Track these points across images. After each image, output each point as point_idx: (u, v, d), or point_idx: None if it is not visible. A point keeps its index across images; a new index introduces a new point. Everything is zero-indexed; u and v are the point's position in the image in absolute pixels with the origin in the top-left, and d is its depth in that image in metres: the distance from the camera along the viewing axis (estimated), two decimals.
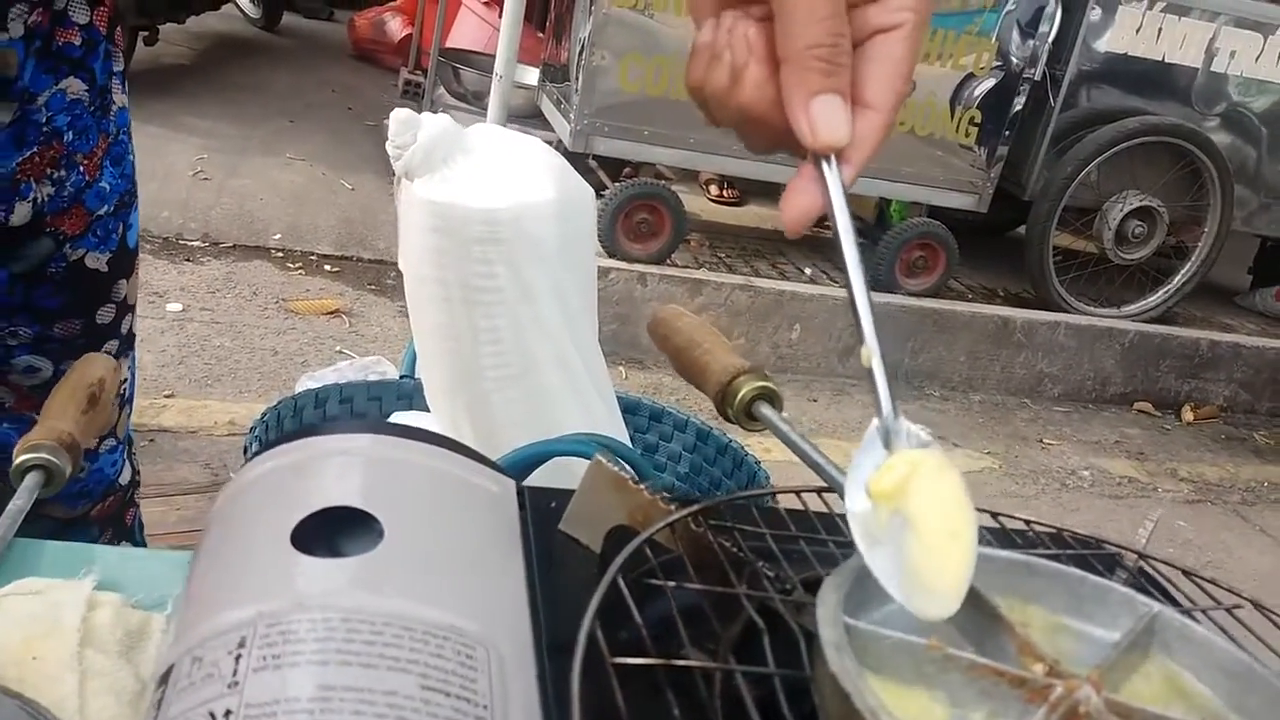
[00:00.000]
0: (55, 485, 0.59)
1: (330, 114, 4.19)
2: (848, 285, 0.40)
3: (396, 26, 4.93)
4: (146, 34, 3.99)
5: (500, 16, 2.86)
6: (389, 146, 0.80)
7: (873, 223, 3.65)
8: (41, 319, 0.84)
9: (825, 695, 0.34)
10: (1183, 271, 3.47)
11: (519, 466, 0.75)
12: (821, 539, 0.46)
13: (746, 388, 0.53)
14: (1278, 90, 3.36)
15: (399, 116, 0.80)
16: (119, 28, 0.83)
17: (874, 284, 3.15)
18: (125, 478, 0.98)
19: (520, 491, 0.50)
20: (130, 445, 0.99)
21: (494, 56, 2.87)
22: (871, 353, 0.39)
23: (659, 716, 0.34)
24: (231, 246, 3.07)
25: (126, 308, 0.92)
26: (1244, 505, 2.86)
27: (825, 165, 0.40)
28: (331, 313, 2.78)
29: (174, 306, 2.65)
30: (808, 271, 3.31)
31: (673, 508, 0.44)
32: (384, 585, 0.38)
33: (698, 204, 3.74)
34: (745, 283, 3.01)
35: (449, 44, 4.19)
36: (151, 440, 2.14)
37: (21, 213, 0.78)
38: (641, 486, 0.45)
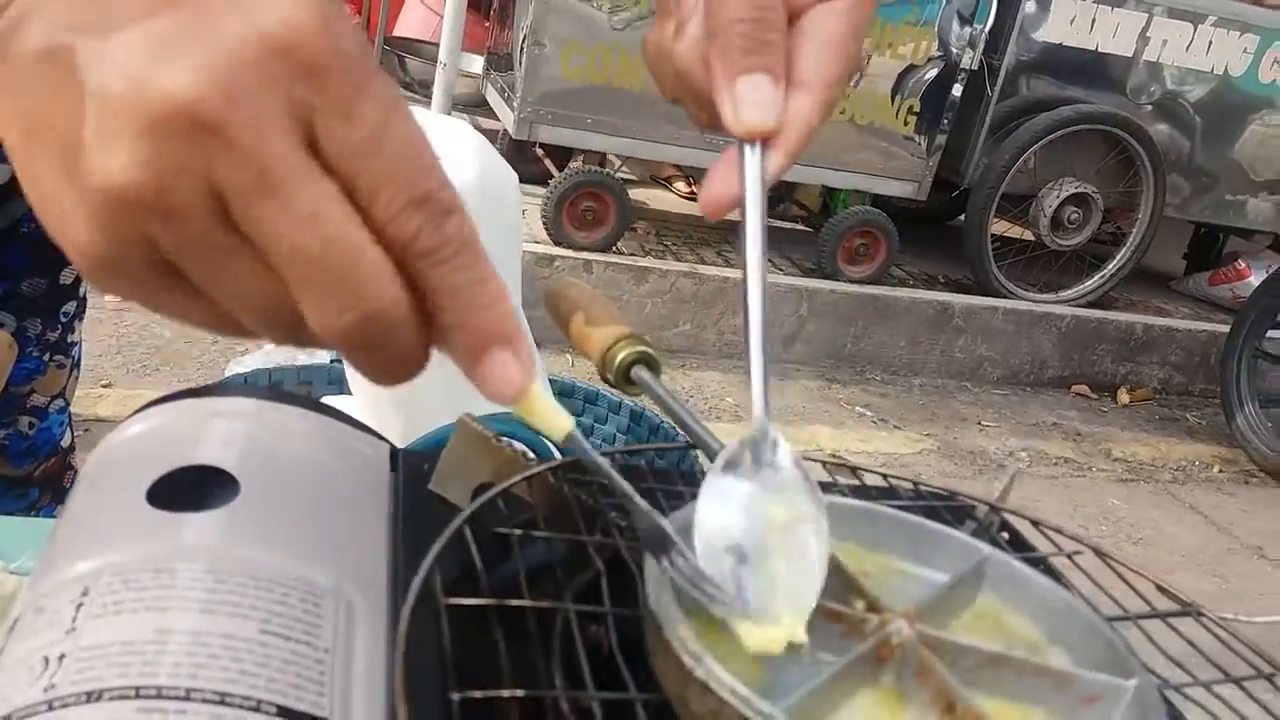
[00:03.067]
0: None
1: None
2: (743, 282, 0.37)
3: None
4: None
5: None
6: None
7: (818, 211, 3.69)
8: (10, 276, 0.87)
9: (648, 629, 0.35)
10: (1118, 257, 3.54)
11: (437, 446, 0.76)
12: (679, 491, 0.47)
13: (625, 352, 0.54)
14: (1209, 79, 3.44)
15: None
16: None
17: (817, 271, 3.20)
18: (67, 440, 1.00)
19: (394, 454, 0.51)
20: (69, 411, 1.01)
21: (439, 45, 2.87)
22: (754, 367, 0.37)
23: (488, 657, 0.35)
24: None
25: None
26: (1174, 484, 2.94)
27: (748, 150, 0.37)
28: None
29: (112, 296, 2.62)
30: None
31: (534, 464, 0.46)
32: (233, 539, 0.39)
33: (660, 199, 3.76)
34: (690, 270, 3.03)
35: (396, 32, 4.17)
36: (88, 430, 2.11)
37: (1, 173, 0.81)
38: (504, 444, 0.47)
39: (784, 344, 3.13)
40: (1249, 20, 3.35)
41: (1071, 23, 3.23)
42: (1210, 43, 3.36)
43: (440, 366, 1.03)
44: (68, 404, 0.99)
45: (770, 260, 3.36)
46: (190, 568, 0.37)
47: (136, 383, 2.29)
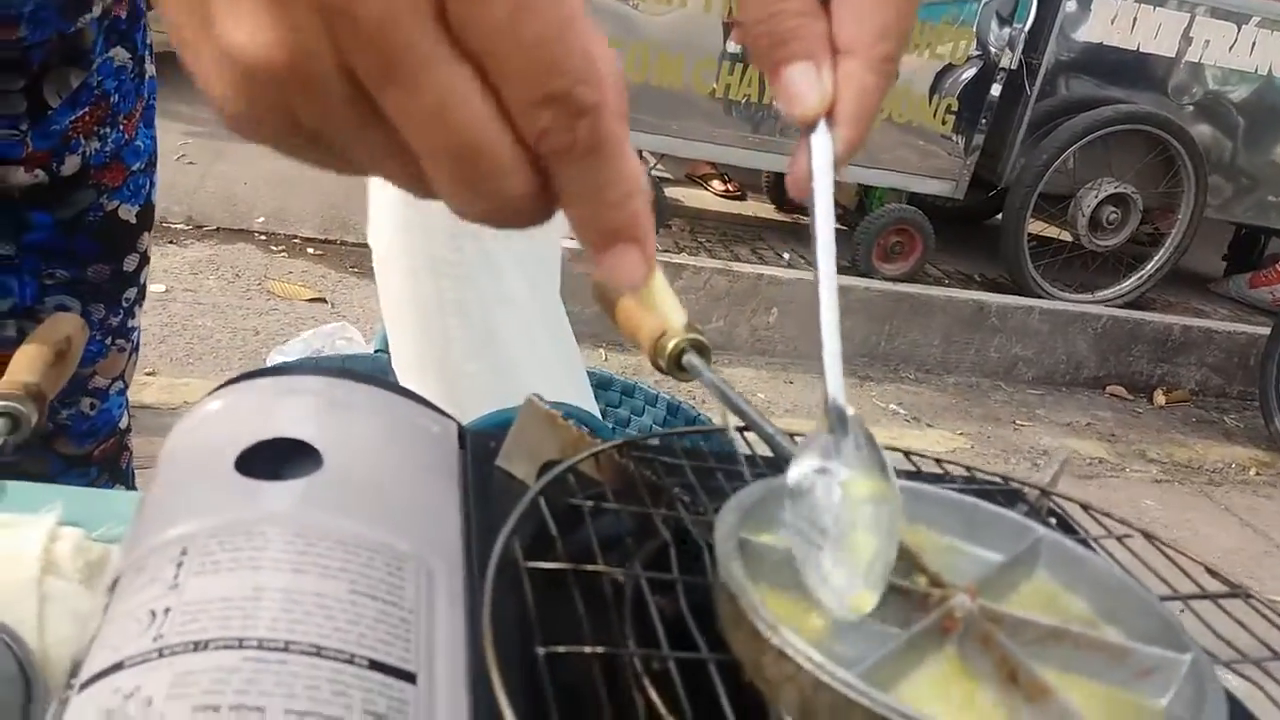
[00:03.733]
0: (21, 433, 0.61)
1: None
2: (814, 265, 0.38)
3: None
4: None
5: None
6: None
7: (854, 209, 3.69)
8: (78, 263, 0.91)
9: (719, 599, 0.37)
10: (1156, 258, 3.51)
11: (489, 429, 0.78)
12: (738, 470, 0.49)
13: (676, 339, 0.56)
14: (1252, 79, 3.40)
15: None
16: (150, 6, 0.92)
17: (852, 268, 3.20)
18: (124, 422, 1.03)
19: (461, 432, 0.53)
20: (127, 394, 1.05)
21: None
22: (827, 342, 0.38)
23: (568, 621, 0.37)
24: (215, 229, 3.09)
25: (145, 259, 0.99)
26: (1210, 485, 2.91)
27: (812, 136, 0.36)
28: (314, 299, 2.80)
29: (157, 287, 2.67)
30: (785, 256, 3.34)
31: (599, 442, 0.47)
32: (320, 506, 0.41)
33: (696, 197, 3.78)
34: (724, 267, 3.05)
35: None
36: (133, 416, 2.16)
37: (71, 165, 0.86)
38: (569, 424, 0.48)
39: (816, 341, 3.13)
40: None
41: (1112, 22, 3.21)
42: (1254, 43, 3.33)
43: (485, 357, 1.04)
44: (126, 387, 1.03)
45: (801, 256, 3.36)
46: (280, 531, 0.39)
47: (181, 371, 2.33)
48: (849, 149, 0.37)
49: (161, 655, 0.33)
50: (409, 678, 0.35)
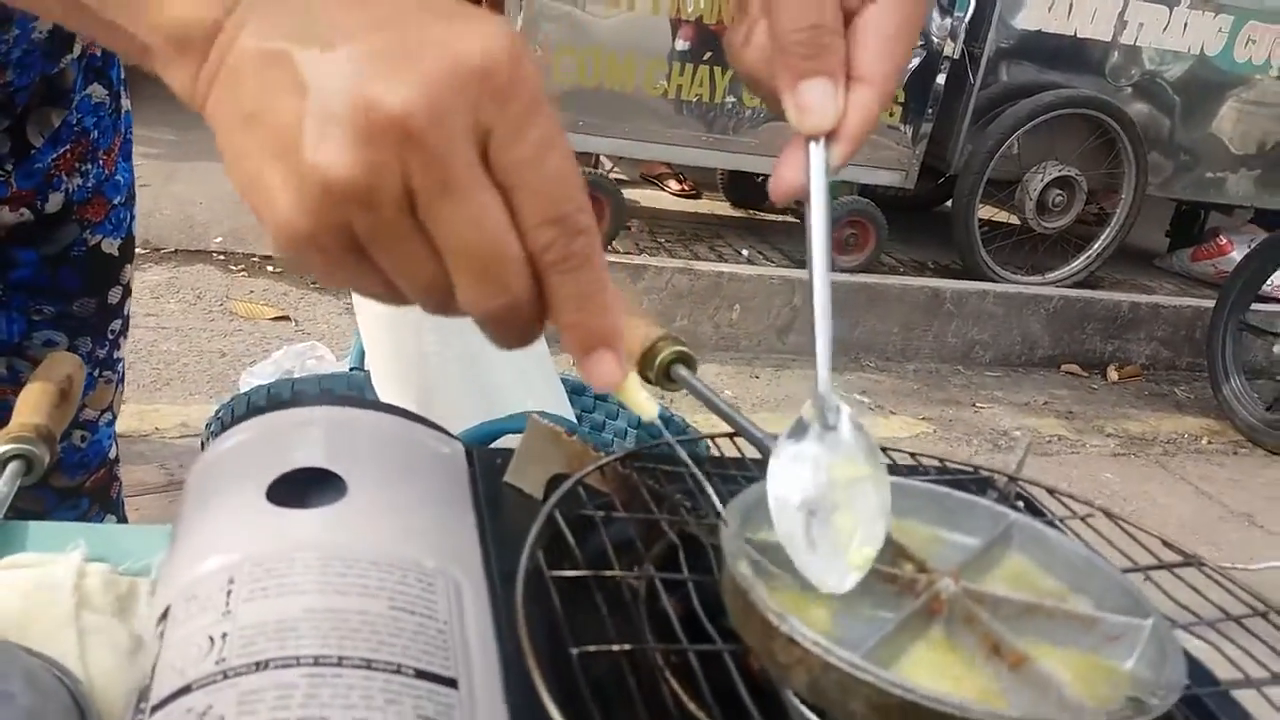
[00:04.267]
0: (35, 474, 0.64)
1: None
2: (809, 262, 0.42)
3: None
4: None
5: None
6: None
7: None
8: (63, 298, 0.92)
9: (729, 594, 0.40)
10: (1102, 237, 3.61)
11: (470, 445, 0.81)
12: (731, 474, 0.53)
13: (665, 352, 0.59)
14: (1186, 59, 3.50)
15: None
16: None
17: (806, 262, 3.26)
18: (114, 453, 1.05)
19: (469, 451, 0.56)
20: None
21: None
22: (819, 338, 0.42)
23: (591, 621, 0.40)
24: (173, 251, 3.07)
25: (128, 291, 1.01)
26: (1165, 456, 3.01)
27: (813, 146, 0.41)
28: (278, 318, 2.80)
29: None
30: (745, 253, 3.39)
31: (603, 455, 0.51)
32: (352, 530, 0.44)
33: (652, 197, 3.81)
34: (685, 266, 3.09)
35: None
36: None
37: (55, 202, 0.87)
38: (574, 438, 0.52)
39: (778, 334, 3.19)
40: (1222, 1, 3.42)
41: (1050, 9, 3.29)
42: (1186, 24, 3.43)
43: (463, 372, 1.07)
44: (115, 418, 1.04)
45: (760, 252, 3.42)
46: (319, 557, 0.42)
47: (150, 397, 2.32)
48: (843, 162, 0.41)
49: (226, 677, 0.36)
50: (451, 683, 0.38)
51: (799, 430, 0.43)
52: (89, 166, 0.90)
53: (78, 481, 1.00)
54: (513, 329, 0.36)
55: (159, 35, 0.34)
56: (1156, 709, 0.35)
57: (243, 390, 1.34)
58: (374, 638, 0.39)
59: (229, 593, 0.40)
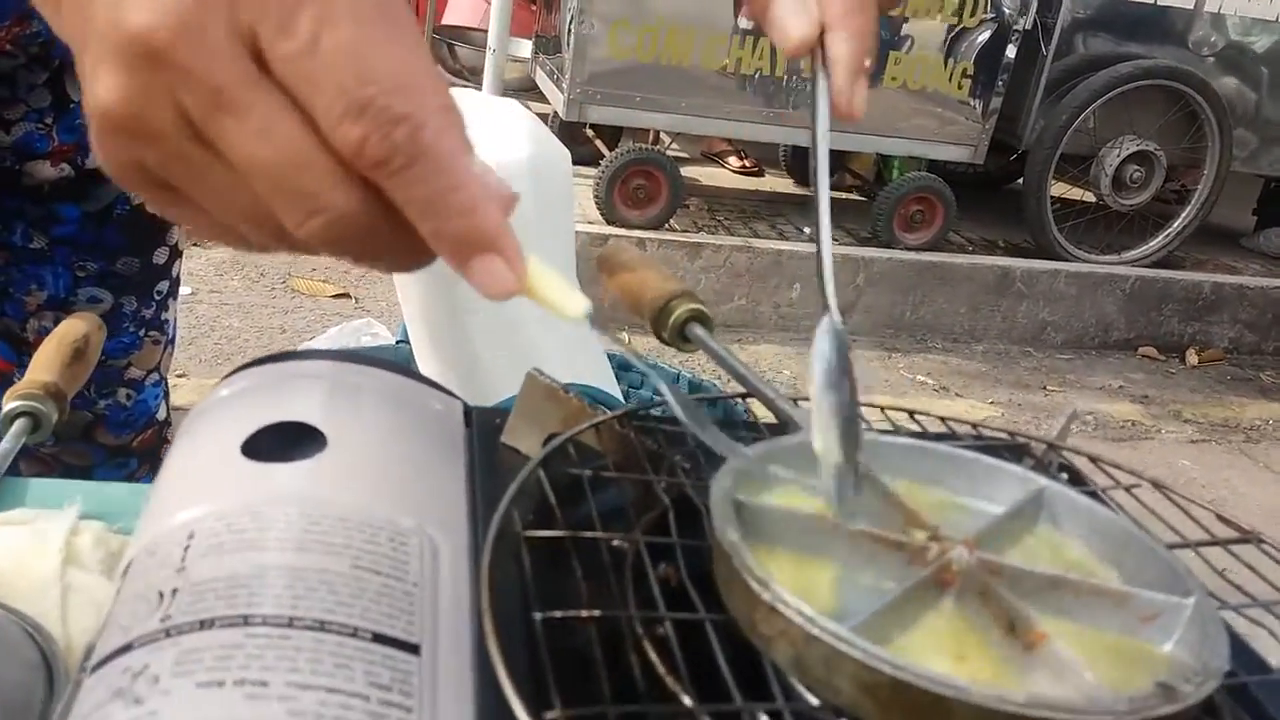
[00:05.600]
0: (42, 432, 0.63)
1: None
2: (814, 185, 0.44)
3: None
4: None
5: None
6: None
7: (873, 179, 3.66)
8: (107, 255, 0.93)
9: (716, 559, 0.37)
10: (1183, 215, 3.46)
11: (490, 411, 0.79)
12: (741, 437, 0.49)
13: (679, 310, 0.56)
14: (1275, 29, 3.34)
15: None
16: None
17: (873, 239, 3.18)
18: (162, 414, 1.05)
19: (467, 410, 0.54)
20: (166, 385, 1.07)
21: (488, 31, 2.89)
22: (823, 261, 0.43)
23: (567, 586, 0.37)
24: None
25: (176, 253, 1.00)
26: (1249, 443, 2.88)
27: (818, 74, 0.44)
28: (339, 295, 2.82)
29: (182, 289, 2.70)
30: (806, 231, 3.32)
31: (601, 413, 0.48)
32: (324, 486, 0.42)
33: (712, 175, 3.76)
34: (743, 244, 3.04)
35: (445, 21, 4.21)
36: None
37: (95, 158, 0.88)
38: (571, 396, 0.49)
39: (842, 313, 3.11)
40: None
41: None
42: None
43: (504, 343, 1.05)
44: (163, 378, 1.05)
45: None
46: (284, 512, 0.39)
47: (210, 372, 2.36)
48: (847, 90, 0.43)
49: (169, 635, 0.34)
50: (413, 649, 0.35)
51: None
52: None
53: (124, 440, 1.02)
54: (373, 253, 0.31)
55: None
56: (1189, 696, 0.31)
57: None
58: (331, 598, 0.36)
59: (187, 548, 0.38)
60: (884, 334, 3.17)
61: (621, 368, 1.71)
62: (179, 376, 2.32)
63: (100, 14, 0.28)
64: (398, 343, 1.45)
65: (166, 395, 1.07)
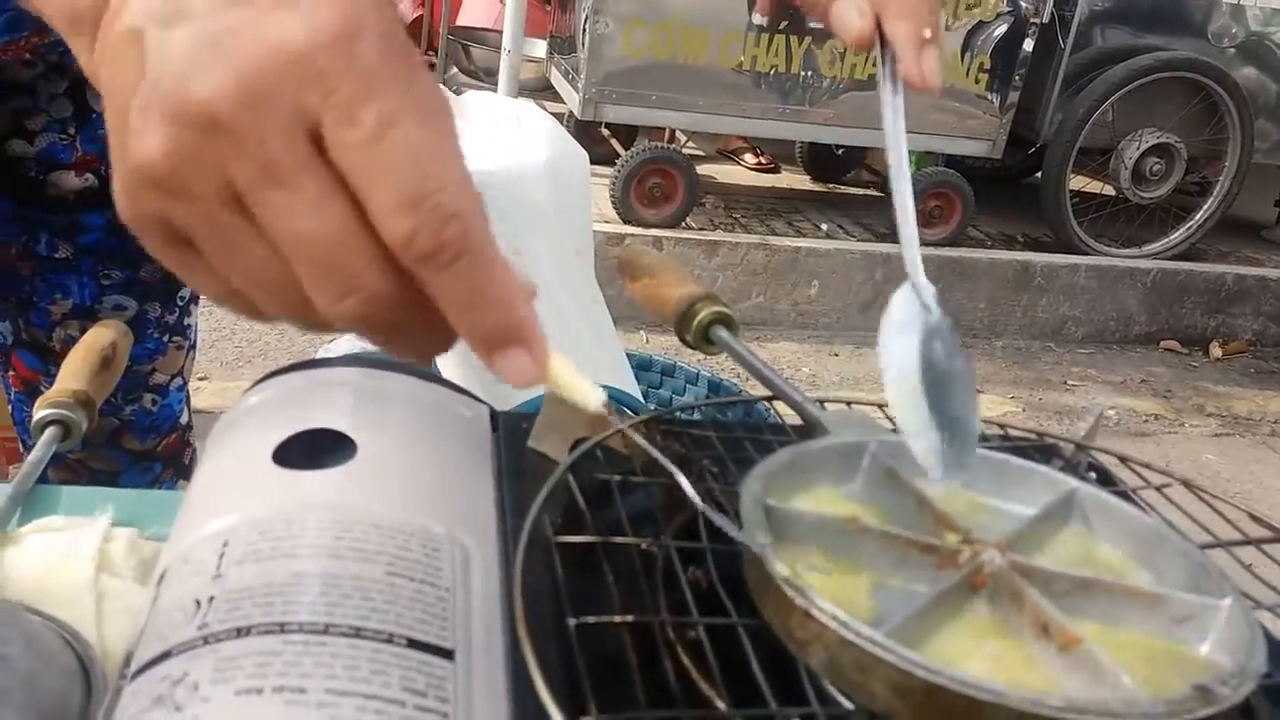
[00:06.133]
0: (73, 440, 0.63)
1: None
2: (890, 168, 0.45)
3: (407, 8, 4.95)
4: None
5: None
6: None
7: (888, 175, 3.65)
8: (132, 263, 0.93)
9: (747, 564, 0.37)
10: (1204, 208, 3.43)
11: (533, 412, 0.79)
12: (766, 440, 0.49)
13: (704, 313, 0.56)
14: None
15: None
16: None
17: (891, 235, 3.17)
18: (185, 419, 1.06)
19: (494, 415, 0.54)
20: (188, 390, 1.08)
21: (502, 32, 2.90)
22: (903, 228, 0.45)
23: (599, 591, 0.37)
24: None
25: None
26: (1274, 437, 2.85)
27: (879, 60, 0.44)
28: None
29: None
30: (824, 227, 3.32)
31: (628, 418, 0.48)
32: (356, 493, 0.42)
33: (728, 172, 3.76)
34: (761, 242, 3.03)
35: (459, 22, 4.22)
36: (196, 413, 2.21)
37: None
38: None
39: (860, 310, 3.11)
40: None
41: None
42: None
43: None
44: (186, 383, 1.06)
45: (840, 226, 3.34)
46: (317, 519, 0.40)
47: (232, 375, 2.37)
48: (916, 34, 0.43)
49: (206, 643, 0.34)
50: (447, 654, 0.36)
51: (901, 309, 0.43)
52: None
53: (149, 445, 1.03)
54: (399, 337, 0.32)
55: (58, 15, 0.33)
56: (1227, 699, 0.31)
57: None
58: (365, 604, 0.36)
59: (222, 555, 0.38)
60: None
61: (641, 367, 1.71)
62: (201, 380, 2.34)
63: (162, 73, 0.29)
64: None
65: (188, 399, 1.08)
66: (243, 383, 2.34)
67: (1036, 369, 3.10)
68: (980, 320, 3.24)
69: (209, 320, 2.57)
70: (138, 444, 1.01)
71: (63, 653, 0.44)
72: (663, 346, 2.76)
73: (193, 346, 1.05)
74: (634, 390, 1.21)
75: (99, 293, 0.93)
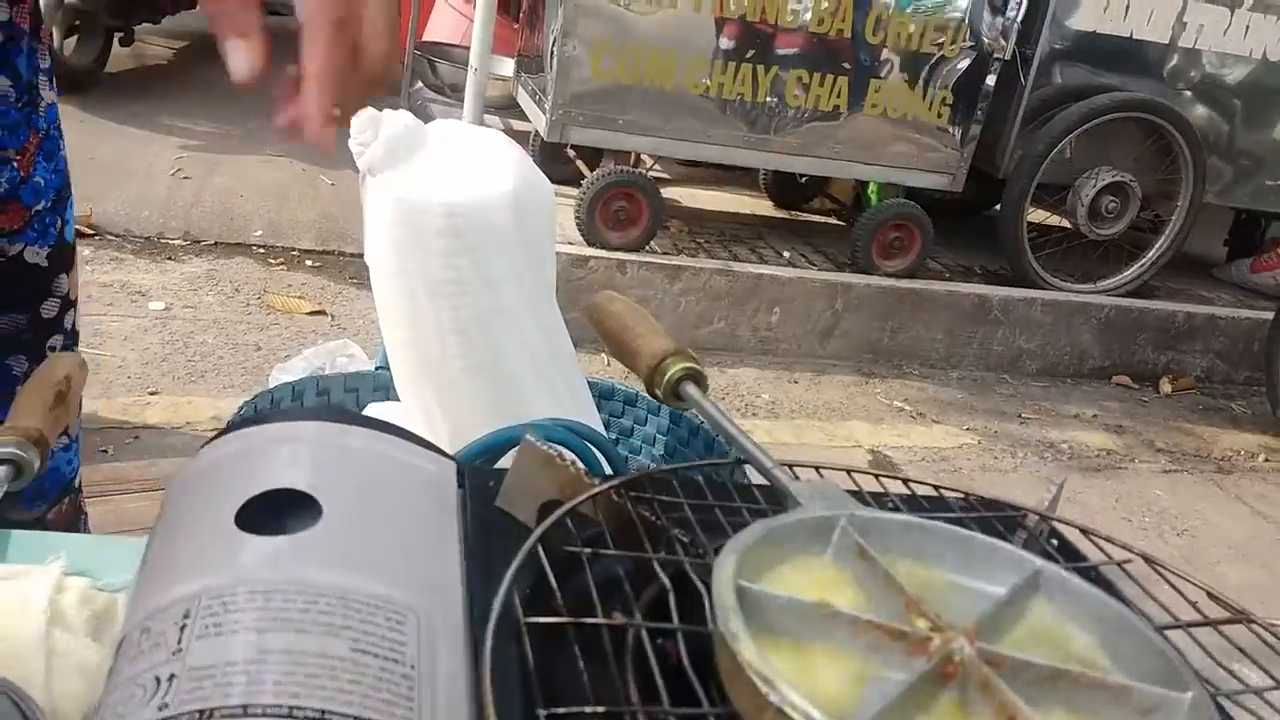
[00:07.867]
0: (24, 479, 0.61)
1: None
2: None
3: None
4: (122, 35, 3.99)
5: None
6: (351, 144, 0.83)
7: (851, 205, 3.69)
8: None
9: (719, 651, 0.37)
10: (1157, 245, 3.50)
11: (486, 453, 0.78)
12: (735, 507, 0.49)
13: (674, 369, 0.56)
14: (1248, 62, 3.39)
15: (361, 115, 0.82)
16: (42, 26, 0.84)
17: (851, 265, 3.20)
18: (76, 480, 0.99)
19: (460, 471, 0.53)
20: (78, 442, 0.99)
21: (470, 49, 2.89)
22: None
23: (567, 674, 0.37)
24: (213, 244, 3.09)
25: (69, 303, 0.93)
26: (1220, 474, 2.91)
27: None
28: (314, 312, 2.80)
29: (156, 305, 2.67)
30: (786, 255, 3.34)
31: (598, 482, 0.47)
32: (320, 560, 0.41)
33: (692, 196, 3.76)
34: (723, 267, 3.04)
35: (426, 37, 4.20)
36: (136, 437, 2.16)
37: None
38: (569, 463, 0.48)
39: (819, 339, 3.13)
40: None
41: (1105, 10, 3.20)
42: (1248, 26, 3.31)
43: (483, 381, 1.03)
44: (72, 441, 0.98)
45: (802, 254, 3.36)
46: (283, 589, 0.39)
47: (184, 390, 2.33)
48: None
49: None
50: None
51: None
52: None
53: (38, 513, 0.95)
54: None
55: None
56: None
57: (270, 387, 1.33)
58: (331, 684, 0.36)
59: (183, 628, 0.37)
60: (861, 359, 3.19)
61: (603, 395, 1.70)
62: (151, 394, 2.30)
63: None
64: (377, 369, 1.45)
65: (77, 459, 0.99)
66: (194, 398, 2.30)
67: (992, 400, 3.14)
68: (937, 351, 3.28)
69: (161, 333, 2.53)
70: (24, 513, 0.93)
71: (10, 715, 0.43)
72: (624, 372, 2.76)
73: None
74: (595, 422, 1.20)
75: None
